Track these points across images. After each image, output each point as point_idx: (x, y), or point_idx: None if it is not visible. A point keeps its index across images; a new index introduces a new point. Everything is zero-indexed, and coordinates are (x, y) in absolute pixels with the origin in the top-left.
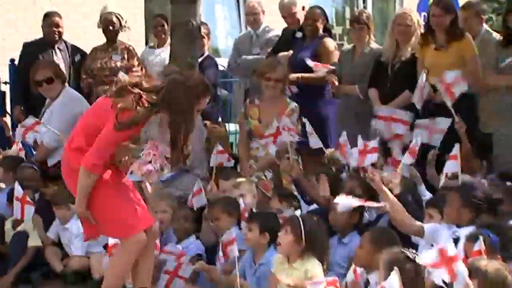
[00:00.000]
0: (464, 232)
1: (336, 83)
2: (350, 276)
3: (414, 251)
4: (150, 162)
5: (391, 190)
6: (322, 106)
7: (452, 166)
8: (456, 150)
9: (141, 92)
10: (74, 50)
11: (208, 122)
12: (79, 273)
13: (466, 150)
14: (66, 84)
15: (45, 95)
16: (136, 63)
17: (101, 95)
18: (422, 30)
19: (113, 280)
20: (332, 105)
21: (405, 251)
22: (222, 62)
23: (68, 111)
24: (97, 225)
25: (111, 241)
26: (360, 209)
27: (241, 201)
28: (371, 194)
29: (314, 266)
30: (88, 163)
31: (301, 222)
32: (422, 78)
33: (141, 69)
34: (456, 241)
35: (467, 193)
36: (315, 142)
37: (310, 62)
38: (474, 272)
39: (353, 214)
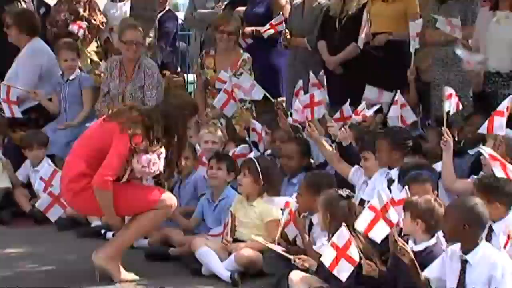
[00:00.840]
0: (396, 173)
1: (288, 36)
2: (286, 215)
3: (348, 190)
4: (146, 153)
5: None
6: (274, 57)
7: (394, 111)
8: (397, 96)
9: (148, 125)
10: (39, 2)
11: (167, 72)
12: None
13: (412, 95)
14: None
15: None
16: (98, 15)
17: (61, 46)
18: None
19: (133, 235)
20: (283, 56)
21: (339, 190)
22: (181, 16)
23: (33, 62)
24: (129, 212)
25: None
26: (309, 153)
27: (197, 146)
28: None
29: (270, 207)
30: (102, 181)
31: (257, 164)
32: (364, 24)
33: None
34: (390, 182)
35: (395, 137)
36: (257, 92)
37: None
38: (406, 205)
39: (303, 157)
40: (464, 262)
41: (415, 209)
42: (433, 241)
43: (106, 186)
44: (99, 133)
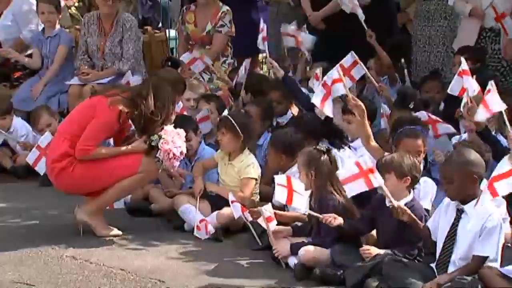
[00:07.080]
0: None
1: None
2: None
3: (326, 145)
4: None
5: None
6: (255, 12)
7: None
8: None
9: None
10: None
11: (149, 28)
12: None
13: (382, 57)
14: None
15: None
16: None
17: None
18: None
19: (115, 194)
20: (264, 11)
21: (317, 146)
22: None
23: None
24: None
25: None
26: (271, 116)
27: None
28: None
29: (248, 165)
30: (80, 149)
31: (232, 119)
32: None
33: None
34: None
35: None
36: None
37: None
38: (386, 167)
39: (264, 120)
40: (459, 212)
41: (399, 167)
42: (410, 197)
43: (86, 153)
44: (83, 110)
